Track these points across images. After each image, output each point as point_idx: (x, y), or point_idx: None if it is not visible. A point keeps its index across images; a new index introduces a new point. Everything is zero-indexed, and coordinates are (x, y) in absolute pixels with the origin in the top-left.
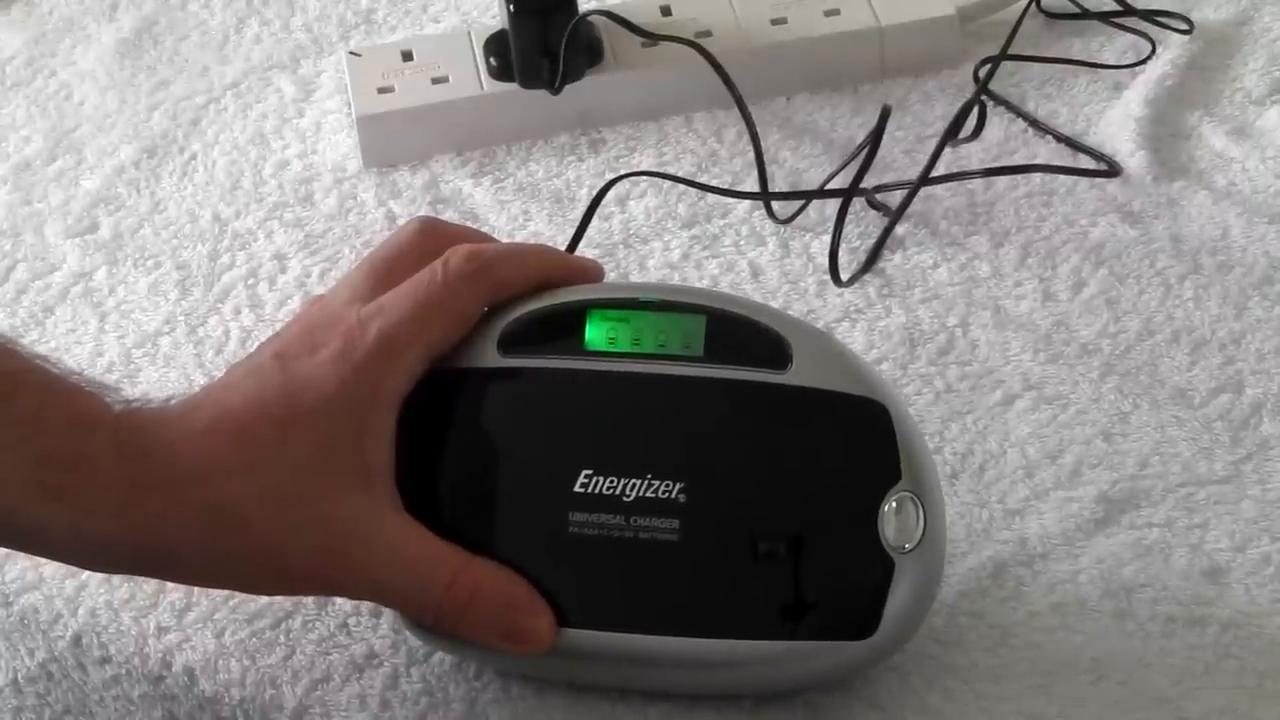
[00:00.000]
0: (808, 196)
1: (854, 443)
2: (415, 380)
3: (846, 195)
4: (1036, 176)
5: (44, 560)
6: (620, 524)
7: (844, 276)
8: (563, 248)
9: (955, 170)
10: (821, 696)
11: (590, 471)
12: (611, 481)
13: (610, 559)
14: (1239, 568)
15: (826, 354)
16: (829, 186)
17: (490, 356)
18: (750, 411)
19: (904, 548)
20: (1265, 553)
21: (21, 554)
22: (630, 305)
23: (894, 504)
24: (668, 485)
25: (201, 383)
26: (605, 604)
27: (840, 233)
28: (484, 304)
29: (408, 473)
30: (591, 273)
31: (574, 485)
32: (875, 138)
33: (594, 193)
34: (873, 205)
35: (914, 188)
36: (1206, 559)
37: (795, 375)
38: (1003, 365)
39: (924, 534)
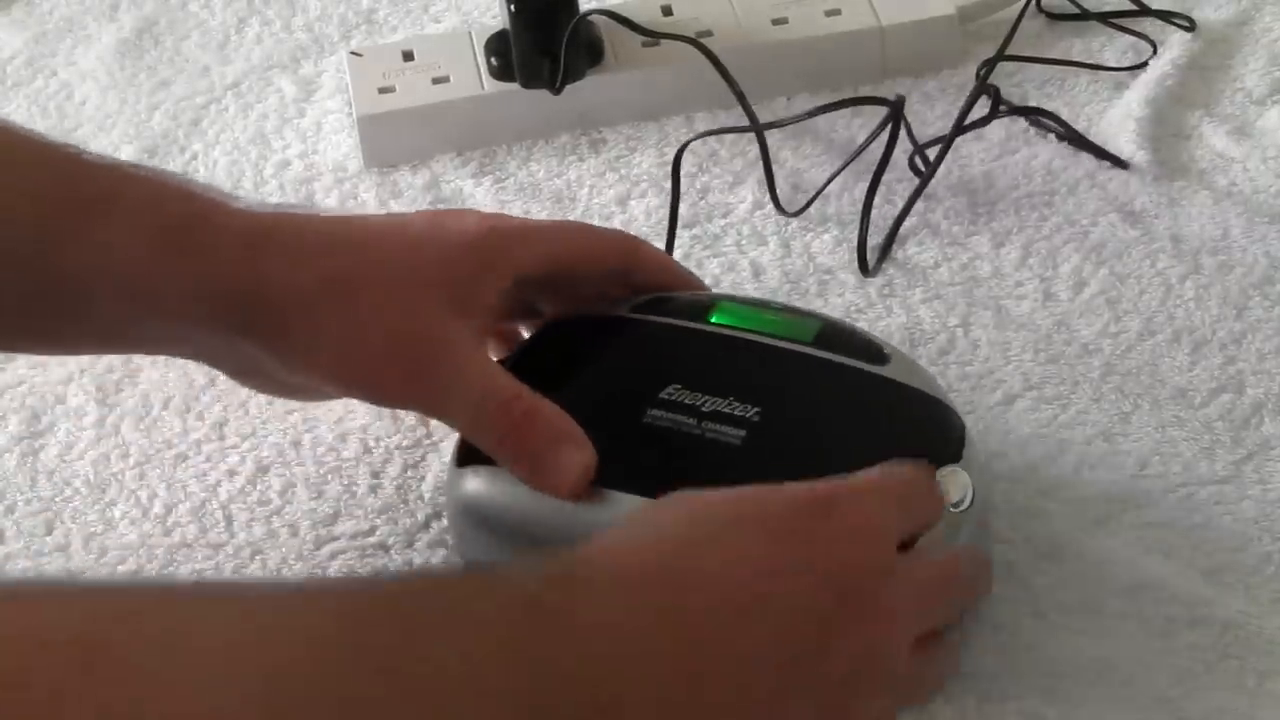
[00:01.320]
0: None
1: (928, 427)
2: (535, 277)
3: (880, 167)
4: (1037, 176)
5: (45, 560)
6: (691, 424)
7: (845, 272)
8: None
9: (958, 165)
10: None
11: (678, 386)
12: (695, 395)
13: (671, 445)
14: (1239, 568)
15: (919, 368)
16: (836, 181)
17: (622, 312)
18: (842, 384)
19: (950, 509)
20: (1265, 552)
21: (21, 555)
22: (756, 304)
23: (951, 470)
24: (745, 407)
25: (202, 384)
26: (651, 475)
27: (868, 221)
28: (618, 256)
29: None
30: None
31: (660, 393)
32: (897, 110)
33: (595, 192)
34: (914, 170)
35: (945, 145)
36: (1206, 559)
37: (890, 372)
38: (1003, 365)
39: (971, 504)
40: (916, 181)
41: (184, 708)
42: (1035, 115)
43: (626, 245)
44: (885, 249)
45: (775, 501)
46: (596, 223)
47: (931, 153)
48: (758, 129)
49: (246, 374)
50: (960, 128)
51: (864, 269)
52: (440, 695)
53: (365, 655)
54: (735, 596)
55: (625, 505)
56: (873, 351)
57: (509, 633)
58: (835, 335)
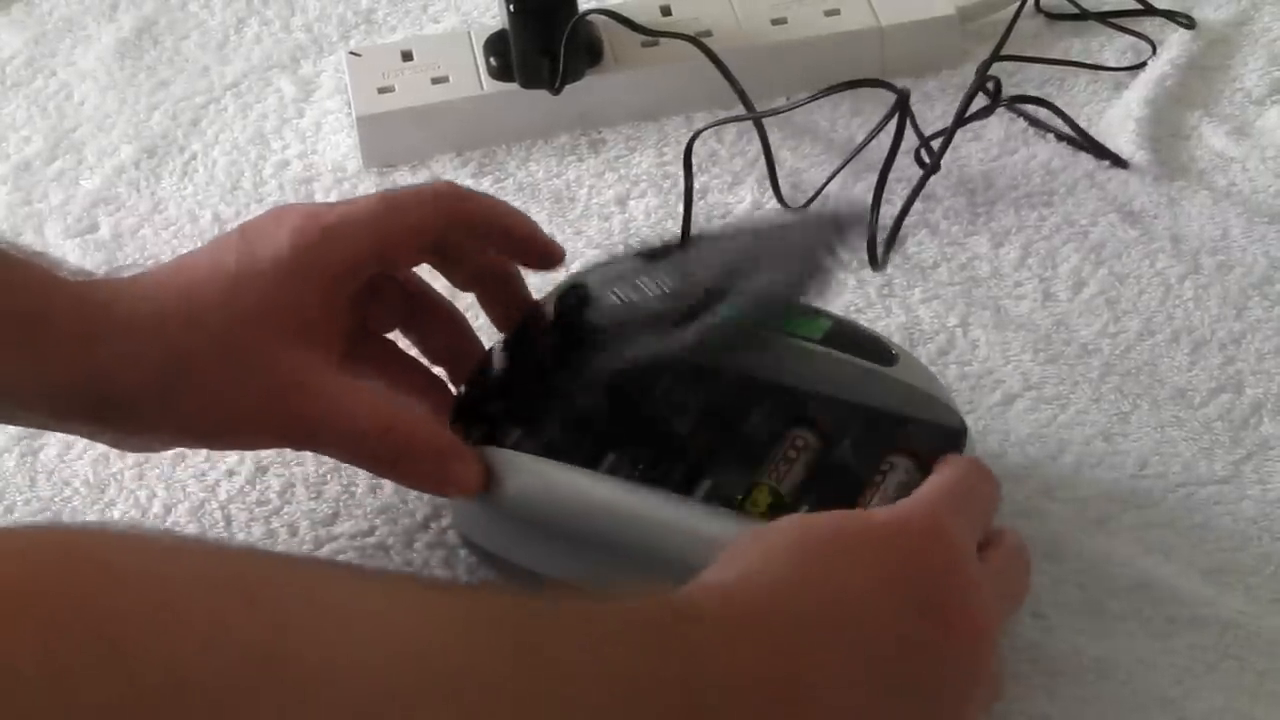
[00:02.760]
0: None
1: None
2: (364, 270)
3: (890, 154)
4: (1036, 176)
5: None
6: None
7: (843, 272)
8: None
9: (957, 165)
10: None
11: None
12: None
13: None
14: (1239, 567)
15: (926, 370)
16: (834, 181)
17: None
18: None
19: None
20: (1265, 552)
21: None
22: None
23: None
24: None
25: None
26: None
27: (878, 213)
28: (445, 224)
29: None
30: (556, 255)
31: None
32: (903, 101)
33: (594, 192)
34: (919, 163)
35: (949, 133)
36: (1206, 559)
37: (897, 373)
38: (1003, 365)
39: None
40: (914, 181)
41: (334, 656)
42: (1036, 104)
43: (445, 205)
44: (890, 243)
45: (868, 530)
46: (595, 223)
47: (935, 147)
48: (757, 117)
49: (122, 445)
50: (963, 118)
51: (873, 263)
52: (571, 702)
53: (494, 654)
54: (836, 629)
55: (628, 489)
56: (881, 351)
57: (639, 652)
58: (845, 334)
